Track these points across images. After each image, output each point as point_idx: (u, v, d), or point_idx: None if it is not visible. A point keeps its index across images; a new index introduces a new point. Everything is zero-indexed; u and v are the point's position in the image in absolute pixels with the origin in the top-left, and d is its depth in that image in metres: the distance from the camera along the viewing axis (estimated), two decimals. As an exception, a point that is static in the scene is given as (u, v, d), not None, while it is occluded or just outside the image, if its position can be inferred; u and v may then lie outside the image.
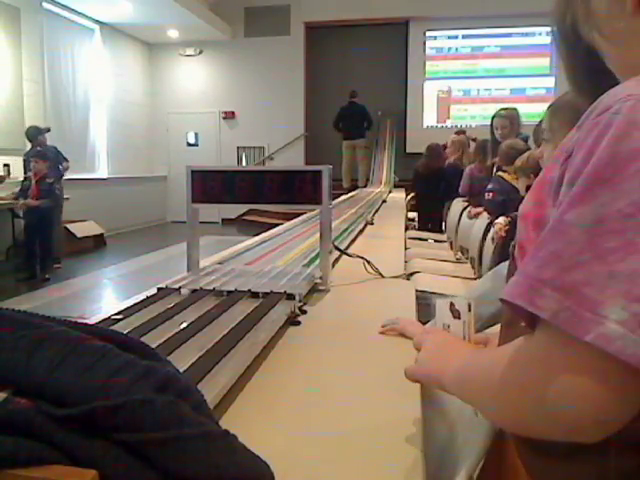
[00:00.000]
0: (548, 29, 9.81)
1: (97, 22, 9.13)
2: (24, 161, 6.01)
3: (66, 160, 6.50)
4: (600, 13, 0.56)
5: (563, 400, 0.43)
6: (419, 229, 5.54)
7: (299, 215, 3.83)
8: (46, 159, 5.76)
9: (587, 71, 0.61)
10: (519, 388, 0.46)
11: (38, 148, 6.02)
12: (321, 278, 1.62)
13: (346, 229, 2.94)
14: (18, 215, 5.75)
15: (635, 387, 0.41)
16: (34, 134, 6.22)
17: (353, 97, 9.29)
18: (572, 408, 0.42)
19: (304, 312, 1.37)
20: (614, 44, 0.57)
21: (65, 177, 6.75)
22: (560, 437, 0.46)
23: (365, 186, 9.05)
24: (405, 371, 0.76)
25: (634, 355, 0.38)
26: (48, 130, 6.31)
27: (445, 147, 5.95)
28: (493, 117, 4.11)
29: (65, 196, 7.20)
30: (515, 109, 4.13)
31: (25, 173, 5.92)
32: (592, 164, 0.43)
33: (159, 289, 1.45)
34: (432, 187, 5.56)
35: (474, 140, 5.53)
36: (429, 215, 5.71)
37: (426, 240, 4.73)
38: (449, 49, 10.42)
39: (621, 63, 0.57)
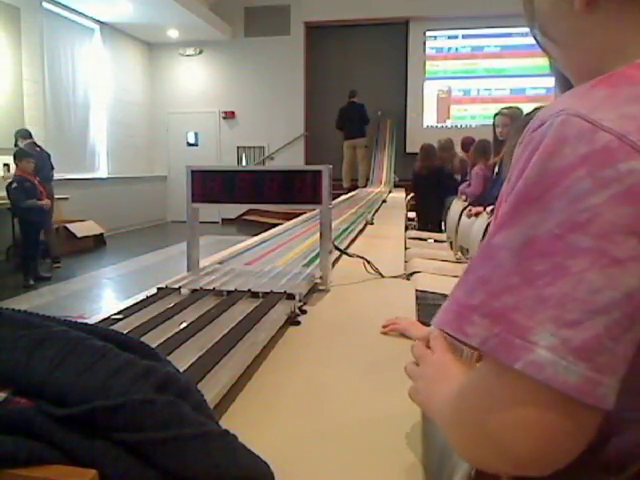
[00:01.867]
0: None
1: (97, 22, 9.13)
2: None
3: (52, 167, 6.55)
4: (544, 12, 0.52)
5: (504, 432, 0.41)
6: (419, 229, 5.54)
7: (299, 215, 3.83)
8: (30, 156, 5.77)
9: (562, 75, 0.56)
10: (465, 420, 0.45)
11: (21, 146, 6.09)
12: (321, 278, 1.62)
13: (346, 229, 2.94)
14: (20, 215, 5.74)
15: (574, 417, 0.39)
16: (26, 134, 6.28)
17: (352, 97, 9.29)
18: (513, 440, 0.41)
19: (304, 312, 1.37)
20: (561, 47, 0.52)
21: (65, 177, 6.74)
22: (512, 471, 0.43)
23: (365, 186, 9.05)
24: (409, 392, 0.71)
25: (565, 382, 0.37)
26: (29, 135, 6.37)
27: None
28: (495, 115, 4.13)
29: (65, 196, 7.23)
30: (518, 108, 4.14)
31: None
32: (521, 182, 0.42)
33: (159, 289, 1.45)
34: (431, 187, 5.57)
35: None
36: (429, 215, 5.72)
37: (426, 240, 4.73)
38: (449, 49, 10.42)
39: (574, 68, 0.52)
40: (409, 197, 6.50)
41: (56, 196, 6.60)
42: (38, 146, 6.34)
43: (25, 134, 6.31)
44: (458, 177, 5.73)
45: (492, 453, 0.43)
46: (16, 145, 6.21)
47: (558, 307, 0.38)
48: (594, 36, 0.49)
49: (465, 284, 0.43)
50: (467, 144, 6.01)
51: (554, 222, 0.39)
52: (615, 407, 0.39)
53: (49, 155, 6.51)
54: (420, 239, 4.64)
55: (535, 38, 0.56)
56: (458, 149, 6.21)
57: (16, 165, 5.71)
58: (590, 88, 0.43)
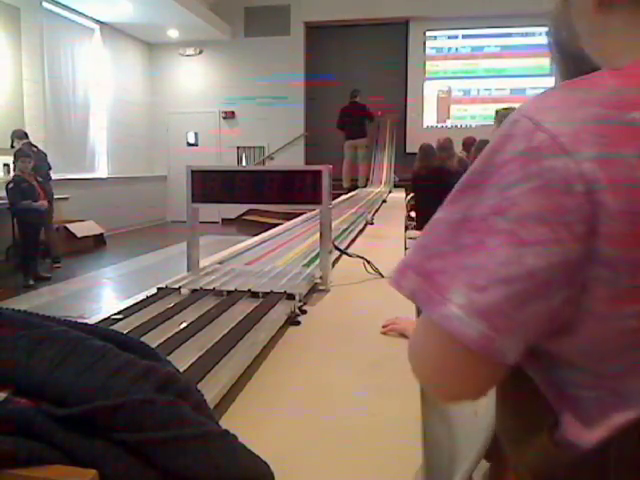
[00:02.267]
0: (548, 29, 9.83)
1: (97, 22, 9.13)
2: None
3: (50, 167, 6.55)
4: (573, 9, 0.56)
5: (424, 365, 0.53)
6: (419, 229, 5.54)
7: (299, 215, 3.83)
8: (28, 156, 5.76)
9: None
10: (409, 352, 0.56)
11: (17, 146, 6.08)
12: (321, 278, 1.62)
13: (346, 229, 2.94)
14: (18, 216, 5.74)
15: (473, 364, 0.48)
16: (22, 135, 6.27)
17: (354, 97, 9.28)
18: (428, 372, 0.54)
19: (304, 312, 1.37)
20: (583, 44, 0.56)
21: (65, 177, 6.74)
22: (436, 396, 0.57)
23: (365, 186, 9.05)
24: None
25: (464, 334, 0.45)
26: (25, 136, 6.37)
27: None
28: (496, 112, 4.15)
29: (65, 196, 7.23)
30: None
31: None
32: (468, 171, 0.49)
33: (159, 289, 1.45)
34: (430, 187, 5.56)
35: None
36: (428, 215, 5.70)
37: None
38: (449, 49, 10.42)
39: (599, 63, 0.54)
40: (409, 197, 6.50)
41: (56, 196, 6.60)
42: (35, 146, 6.33)
43: (21, 134, 6.30)
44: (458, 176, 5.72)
45: (422, 381, 0.57)
46: (12, 146, 6.20)
47: (472, 274, 0.45)
48: (607, 37, 0.52)
49: (411, 249, 0.52)
50: (469, 144, 6.01)
51: (485, 206, 0.46)
52: (575, 383, 0.48)
53: (46, 155, 6.50)
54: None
55: (550, 42, 0.61)
56: (458, 149, 6.20)
57: (15, 165, 5.71)
58: (558, 88, 0.49)
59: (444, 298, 0.46)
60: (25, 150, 5.94)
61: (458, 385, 0.52)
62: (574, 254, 0.43)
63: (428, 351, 0.52)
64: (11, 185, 5.58)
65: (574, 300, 0.45)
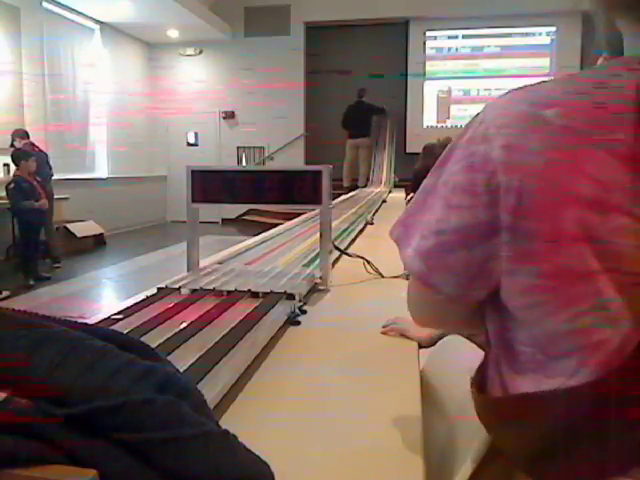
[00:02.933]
0: (548, 29, 9.85)
1: (97, 22, 9.13)
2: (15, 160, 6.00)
3: (50, 168, 6.54)
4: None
5: (408, 295, 0.70)
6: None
7: (299, 215, 3.83)
8: (32, 156, 5.76)
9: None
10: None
11: (18, 146, 6.07)
12: (321, 278, 1.62)
13: (346, 229, 2.94)
14: (19, 216, 5.73)
15: (422, 292, 0.64)
16: (23, 135, 6.27)
17: (361, 96, 9.28)
18: (409, 300, 0.71)
19: (304, 312, 1.37)
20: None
21: (65, 177, 6.74)
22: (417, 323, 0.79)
23: (365, 186, 9.05)
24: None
25: (412, 269, 0.62)
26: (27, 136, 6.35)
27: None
28: None
29: (65, 196, 7.22)
30: None
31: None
32: (446, 148, 0.62)
33: (159, 289, 1.45)
34: None
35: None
36: None
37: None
38: (449, 49, 10.42)
39: None
40: (409, 197, 6.50)
41: (56, 196, 6.59)
42: (35, 146, 6.33)
43: (23, 134, 6.30)
44: None
45: (408, 308, 0.72)
46: (12, 145, 6.19)
47: (423, 226, 0.61)
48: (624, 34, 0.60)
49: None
50: None
51: (442, 178, 0.60)
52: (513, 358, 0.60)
53: (47, 155, 6.50)
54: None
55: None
56: None
57: (17, 165, 5.70)
58: (513, 89, 0.60)
59: (408, 242, 0.62)
60: (27, 150, 5.94)
61: (421, 310, 0.71)
62: (483, 218, 0.55)
63: (409, 283, 0.69)
64: (12, 185, 5.57)
65: (494, 258, 0.56)
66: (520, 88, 0.60)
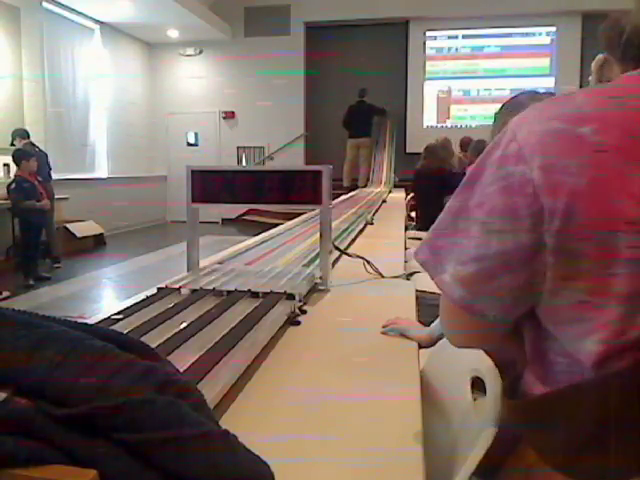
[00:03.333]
0: (548, 29, 9.84)
1: (97, 22, 9.13)
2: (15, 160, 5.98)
3: (50, 168, 6.53)
4: None
5: (441, 316, 0.70)
6: (419, 229, 5.53)
7: (299, 215, 3.83)
8: (32, 156, 5.75)
9: None
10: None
11: (18, 146, 6.06)
12: (321, 278, 1.62)
13: (346, 229, 2.94)
14: (20, 216, 5.73)
15: (462, 318, 0.63)
16: (23, 134, 6.25)
17: (362, 96, 9.28)
18: (442, 321, 0.70)
19: (304, 312, 1.37)
20: None
21: (65, 177, 6.73)
22: (453, 344, 0.74)
23: (365, 186, 9.05)
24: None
25: (451, 295, 0.61)
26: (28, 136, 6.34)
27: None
28: (495, 115, 4.13)
29: (65, 196, 7.22)
30: None
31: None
32: (471, 169, 0.61)
33: (159, 289, 1.45)
34: (433, 187, 5.55)
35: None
36: (430, 215, 5.70)
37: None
38: (449, 49, 10.42)
39: None
40: (409, 197, 6.50)
41: (56, 196, 6.59)
42: (36, 146, 6.32)
43: (23, 134, 6.29)
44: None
45: (444, 332, 0.74)
46: (12, 144, 6.18)
47: (459, 252, 0.60)
48: None
49: (431, 227, 0.66)
50: (466, 144, 6.01)
51: (474, 200, 0.58)
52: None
53: (47, 155, 6.49)
54: (420, 239, 4.63)
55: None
56: (456, 150, 6.21)
57: (17, 165, 5.69)
58: (539, 104, 0.59)
59: (442, 268, 0.62)
60: (27, 150, 5.93)
61: (462, 334, 0.69)
62: (526, 241, 0.54)
63: (442, 306, 0.68)
64: (13, 185, 5.56)
65: (538, 279, 0.56)
66: (547, 103, 0.58)
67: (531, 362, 0.64)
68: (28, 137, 6.29)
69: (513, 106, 1.21)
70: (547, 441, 0.60)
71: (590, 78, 0.64)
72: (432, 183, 5.63)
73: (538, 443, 0.62)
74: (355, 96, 9.36)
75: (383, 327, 1.23)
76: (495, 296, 0.59)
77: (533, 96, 1.19)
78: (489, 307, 0.60)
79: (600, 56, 0.66)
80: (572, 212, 0.51)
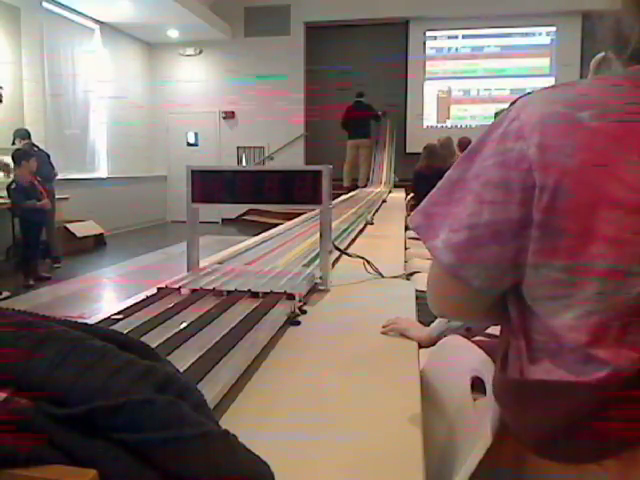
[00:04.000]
0: (548, 29, 9.84)
1: (97, 22, 9.13)
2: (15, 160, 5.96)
3: (53, 167, 6.51)
4: None
5: (429, 284, 0.72)
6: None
7: (299, 215, 3.83)
8: (32, 156, 5.75)
9: None
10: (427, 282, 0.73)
11: (19, 146, 6.05)
12: (321, 278, 1.62)
13: (346, 229, 2.94)
14: (20, 216, 5.72)
15: (451, 284, 0.65)
16: (24, 135, 6.24)
17: (359, 97, 9.29)
18: (429, 289, 0.72)
19: (304, 312, 1.37)
20: None
21: (65, 177, 6.72)
22: (436, 314, 0.78)
23: (365, 186, 9.05)
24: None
25: (441, 260, 0.63)
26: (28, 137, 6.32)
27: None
28: (496, 115, 4.14)
29: (65, 196, 7.22)
30: None
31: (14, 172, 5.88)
32: (474, 141, 0.63)
33: (159, 289, 1.45)
34: (432, 187, 5.56)
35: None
36: None
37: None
38: (449, 49, 10.42)
39: None
40: (409, 197, 6.50)
41: (56, 196, 6.58)
42: (36, 146, 6.31)
43: (24, 134, 6.28)
44: None
45: (429, 298, 0.74)
46: (13, 144, 6.18)
47: (453, 219, 0.62)
48: None
49: (427, 196, 0.68)
50: (465, 144, 6.01)
51: (472, 171, 0.61)
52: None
53: (48, 155, 6.49)
54: (420, 239, 4.63)
55: None
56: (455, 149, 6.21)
57: (17, 165, 5.69)
58: (545, 88, 0.61)
59: (435, 234, 0.64)
60: (27, 150, 5.93)
61: (445, 301, 0.72)
62: (516, 214, 0.57)
63: (430, 273, 0.71)
64: (14, 185, 5.57)
65: (523, 254, 0.58)
66: (553, 87, 0.61)
67: (514, 338, 0.66)
68: (29, 137, 6.29)
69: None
70: (522, 420, 0.63)
71: (588, 77, 0.65)
72: (432, 183, 5.62)
73: (514, 420, 0.65)
74: (355, 96, 9.37)
75: (383, 327, 1.23)
76: (481, 265, 0.61)
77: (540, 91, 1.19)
78: (475, 275, 0.62)
79: (599, 56, 0.67)
80: (560, 190, 0.54)
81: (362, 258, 1.87)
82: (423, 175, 5.92)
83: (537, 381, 0.60)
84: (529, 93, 1.25)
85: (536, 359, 0.62)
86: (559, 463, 0.59)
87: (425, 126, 10.43)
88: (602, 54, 0.71)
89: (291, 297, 1.38)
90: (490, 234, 0.59)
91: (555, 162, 0.54)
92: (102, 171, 9.44)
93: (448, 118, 10.48)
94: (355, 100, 9.28)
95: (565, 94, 0.58)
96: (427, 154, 5.96)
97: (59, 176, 6.69)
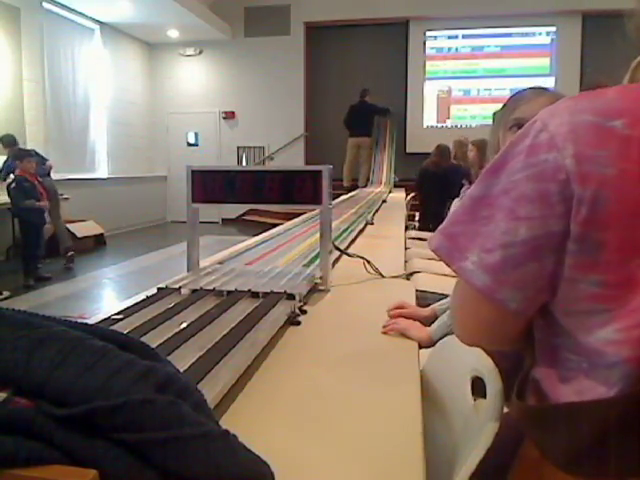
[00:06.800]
0: (548, 29, 9.84)
1: (97, 22, 9.12)
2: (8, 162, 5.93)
3: (46, 159, 6.48)
4: None
5: (455, 309, 0.69)
6: (420, 229, 5.53)
7: (299, 215, 3.83)
8: (31, 156, 5.75)
9: None
10: (451, 305, 0.73)
11: (20, 146, 6.02)
12: (321, 278, 1.62)
13: (346, 229, 2.94)
14: (20, 215, 5.72)
15: (484, 308, 0.61)
16: (11, 141, 6.18)
17: (363, 96, 9.29)
18: (457, 314, 0.69)
19: (304, 312, 1.37)
20: None
21: (65, 177, 6.71)
22: (466, 342, 0.71)
23: (365, 186, 9.05)
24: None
25: (474, 283, 0.59)
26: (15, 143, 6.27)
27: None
28: (494, 115, 4.12)
29: (65, 196, 7.21)
30: None
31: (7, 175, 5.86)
32: (494, 157, 0.60)
33: (159, 289, 1.45)
34: (440, 187, 5.54)
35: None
36: (434, 215, 5.69)
37: (426, 240, 4.72)
38: (449, 49, 10.41)
39: None
40: (409, 197, 6.49)
41: (57, 193, 6.55)
42: (25, 150, 6.23)
43: (11, 140, 6.12)
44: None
45: (455, 324, 0.70)
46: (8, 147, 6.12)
47: (484, 239, 0.58)
48: None
49: (447, 217, 0.65)
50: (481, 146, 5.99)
51: (498, 187, 0.58)
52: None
53: (36, 152, 6.39)
54: (420, 239, 4.64)
55: None
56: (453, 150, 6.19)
57: (17, 165, 5.69)
58: (571, 98, 0.59)
59: (463, 255, 0.60)
60: (26, 150, 5.91)
61: (478, 326, 0.66)
62: (555, 228, 0.54)
63: (457, 297, 0.67)
64: (13, 185, 5.56)
65: (560, 269, 0.56)
66: (577, 97, 0.59)
67: (541, 361, 0.64)
68: (15, 143, 6.16)
69: (515, 102, 1.20)
70: (550, 442, 0.60)
71: (625, 79, 0.63)
72: (438, 181, 5.61)
73: (541, 443, 0.62)
74: (355, 96, 9.36)
75: (383, 327, 1.24)
76: (519, 285, 0.58)
77: (539, 91, 1.18)
78: (511, 297, 0.58)
79: (638, 59, 0.65)
80: (599, 201, 0.52)
81: (362, 258, 1.87)
82: (430, 172, 5.90)
83: (565, 405, 0.58)
84: (521, 91, 1.25)
85: (565, 380, 0.59)
86: (586, 478, 0.58)
87: (425, 126, 10.42)
88: None
89: (291, 297, 1.38)
90: (528, 252, 0.56)
91: (592, 172, 0.52)
92: (102, 171, 9.44)
93: (448, 118, 10.47)
94: (359, 99, 9.29)
95: (592, 103, 0.56)
96: (437, 153, 5.94)
97: (55, 176, 6.65)
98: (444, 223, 0.64)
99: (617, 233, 0.52)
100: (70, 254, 6.31)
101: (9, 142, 6.16)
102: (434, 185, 5.68)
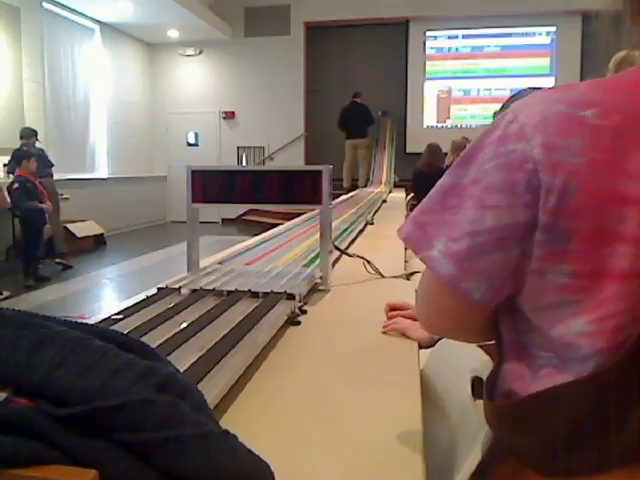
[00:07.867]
0: (548, 29, 9.85)
1: (97, 22, 9.13)
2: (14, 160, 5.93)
3: (52, 165, 6.49)
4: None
5: (419, 298, 0.70)
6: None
7: (299, 215, 3.83)
8: (32, 156, 5.74)
9: None
10: (417, 295, 0.71)
11: (25, 148, 6.03)
12: (321, 278, 1.62)
13: (346, 229, 2.94)
14: (21, 216, 5.72)
15: (448, 297, 0.62)
16: (30, 134, 6.22)
17: (356, 97, 9.30)
18: (420, 302, 0.70)
19: (304, 312, 1.37)
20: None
21: (65, 177, 6.70)
22: (427, 330, 0.78)
23: (365, 186, 9.05)
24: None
25: (440, 273, 0.58)
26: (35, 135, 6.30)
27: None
28: (494, 115, 4.13)
29: (65, 196, 7.22)
30: None
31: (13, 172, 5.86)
32: (467, 147, 0.61)
33: (159, 289, 1.45)
34: (432, 186, 5.55)
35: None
36: None
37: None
38: (449, 49, 10.42)
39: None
40: (409, 197, 6.50)
41: (58, 194, 6.56)
42: (24, 145, 6.26)
43: (30, 133, 6.23)
44: None
45: (419, 313, 0.72)
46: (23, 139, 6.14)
47: (451, 228, 0.58)
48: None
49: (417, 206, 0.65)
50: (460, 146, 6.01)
51: (469, 177, 0.58)
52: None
53: (43, 151, 6.42)
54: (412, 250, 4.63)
55: None
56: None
57: (18, 165, 5.69)
58: (543, 90, 0.59)
59: (430, 244, 0.59)
60: (27, 150, 5.91)
61: (439, 316, 0.67)
62: (522, 218, 0.54)
63: (422, 286, 0.67)
64: (15, 185, 5.56)
65: (527, 259, 0.55)
66: (551, 89, 0.59)
67: (509, 359, 0.63)
68: (36, 136, 6.22)
69: (514, 102, 1.20)
70: (523, 442, 0.60)
71: (607, 76, 0.64)
72: (432, 181, 5.62)
73: (513, 444, 0.62)
74: (351, 97, 9.38)
75: (383, 327, 1.24)
76: (484, 274, 0.57)
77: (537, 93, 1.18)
78: (475, 286, 0.58)
79: (619, 54, 0.66)
80: (569, 190, 0.52)
81: (362, 258, 1.87)
82: (423, 173, 5.91)
83: (536, 395, 0.57)
84: (521, 91, 1.25)
85: (536, 377, 0.59)
86: (560, 478, 0.57)
87: (425, 126, 10.43)
88: (623, 52, 0.70)
89: (291, 297, 1.38)
90: (494, 241, 0.56)
91: (561, 162, 0.52)
92: (102, 171, 9.44)
93: (448, 118, 10.48)
94: (351, 100, 9.29)
95: (565, 94, 0.57)
96: (428, 153, 5.95)
97: (55, 176, 6.66)
98: (414, 212, 0.63)
99: (587, 222, 0.52)
100: (63, 262, 6.30)
101: (28, 135, 6.19)
102: (429, 186, 5.68)
